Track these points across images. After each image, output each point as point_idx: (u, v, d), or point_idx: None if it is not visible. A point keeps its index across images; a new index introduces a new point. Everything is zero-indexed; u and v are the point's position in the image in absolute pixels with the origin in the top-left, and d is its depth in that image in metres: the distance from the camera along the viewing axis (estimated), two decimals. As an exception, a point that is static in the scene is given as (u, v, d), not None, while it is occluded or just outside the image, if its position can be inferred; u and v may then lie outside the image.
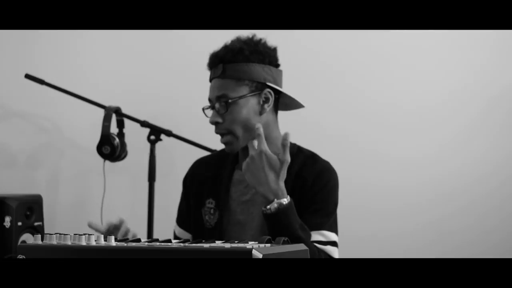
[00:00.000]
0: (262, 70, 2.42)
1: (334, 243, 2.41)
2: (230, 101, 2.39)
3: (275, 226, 2.25)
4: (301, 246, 1.81)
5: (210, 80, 2.48)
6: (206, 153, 3.05)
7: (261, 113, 2.43)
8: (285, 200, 2.27)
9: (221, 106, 2.41)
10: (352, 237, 3.52)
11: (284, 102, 2.52)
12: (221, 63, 2.42)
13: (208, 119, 2.47)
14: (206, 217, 2.52)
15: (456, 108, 3.61)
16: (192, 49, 3.68)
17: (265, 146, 2.29)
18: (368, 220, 3.58)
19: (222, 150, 2.57)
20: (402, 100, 3.63)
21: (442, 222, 3.58)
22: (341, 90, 3.65)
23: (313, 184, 2.42)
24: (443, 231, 3.58)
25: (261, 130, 2.30)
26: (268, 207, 2.26)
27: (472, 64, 3.61)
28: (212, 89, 2.46)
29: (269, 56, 2.45)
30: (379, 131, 3.62)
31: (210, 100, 2.47)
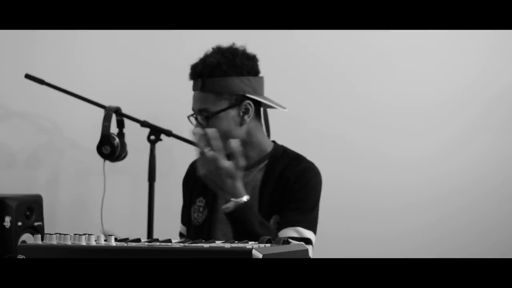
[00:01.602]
0: (241, 83, 2.48)
1: (308, 241, 2.44)
2: (211, 115, 2.48)
3: (235, 223, 2.36)
4: (301, 246, 1.81)
5: (193, 90, 2.55)
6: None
7: (241, 124, 2.51)
8: (243, 199, 2.36)
9: (203, 119, 2.50)
10: (352, 237, 3.52)
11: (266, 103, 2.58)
12: (200, 78, 2.50)
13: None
14: (194, 215, 2.62)
15: (456, 108, 3.61)
16: (192, 49, 3.65)
17: (221, 162, 2.34)
18: (368, 220, 3.58)
19: None
20: (402, 100, 3.62)
21: (442, 222, 3.58)
22: (341, 90, 3.65)
23: (294, 183, 2.49)
24: (443, 231, 3.57)
25: (235, 146, 2.36)
26: (226, 205, 2.36)
27: (472, 64, 3.60)
28: (194, 101, 2.54)
29: (247, 67, 2.50)
30: (378, 131, 3.62)
31: (193, 110, 2.55)
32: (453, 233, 3.57)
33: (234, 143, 2.36)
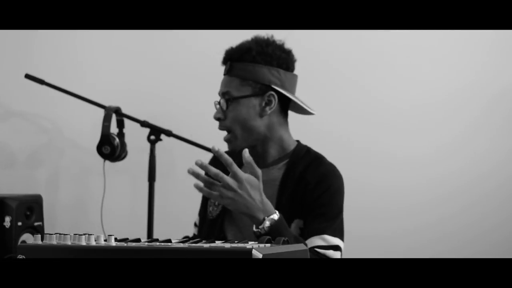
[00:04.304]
0: (268, 72, 2.42)
1: (336, 247, 2.38)
2: (231, 99, 2.42)
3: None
4: (301, 246, 1.81)
5: (223, 74, 2.51)
6: (206, 153, 3.05)
7: (261, 115, 2.43)
8: (275, 216, 2.21)
9: (223, 103, 2.45)
10: (352, 237, 3.51)
11: (295, 105, 2.52)
12: (229, 61, 2.45)
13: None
14: (210, 208, 2.55)
15: (456, 108, 3.61)
16: (192, 49, 3.67)
17: (240, 172, 2.20)
18: (368, 220, 3.58)
19: (227, 151, 2.58)
20: (402, 100, 3.62)
21: (442, 222, 3.58)
22: (341, 89, 3.65)
23: (315, 187, 2.40)
24: (443, 231, 3.57)
25: (247, 156, 2.21)
26: (261, 226, 2.20)
27: (472, 64, 3.61)
28: (221, 85, 2.49)
29: (278, 59, 2.44)
30: (379, 131, 3.62)
31: (218, 95, 2.50)
32: (453, 233, 3.57)
33: (246, 153, 2.21)
